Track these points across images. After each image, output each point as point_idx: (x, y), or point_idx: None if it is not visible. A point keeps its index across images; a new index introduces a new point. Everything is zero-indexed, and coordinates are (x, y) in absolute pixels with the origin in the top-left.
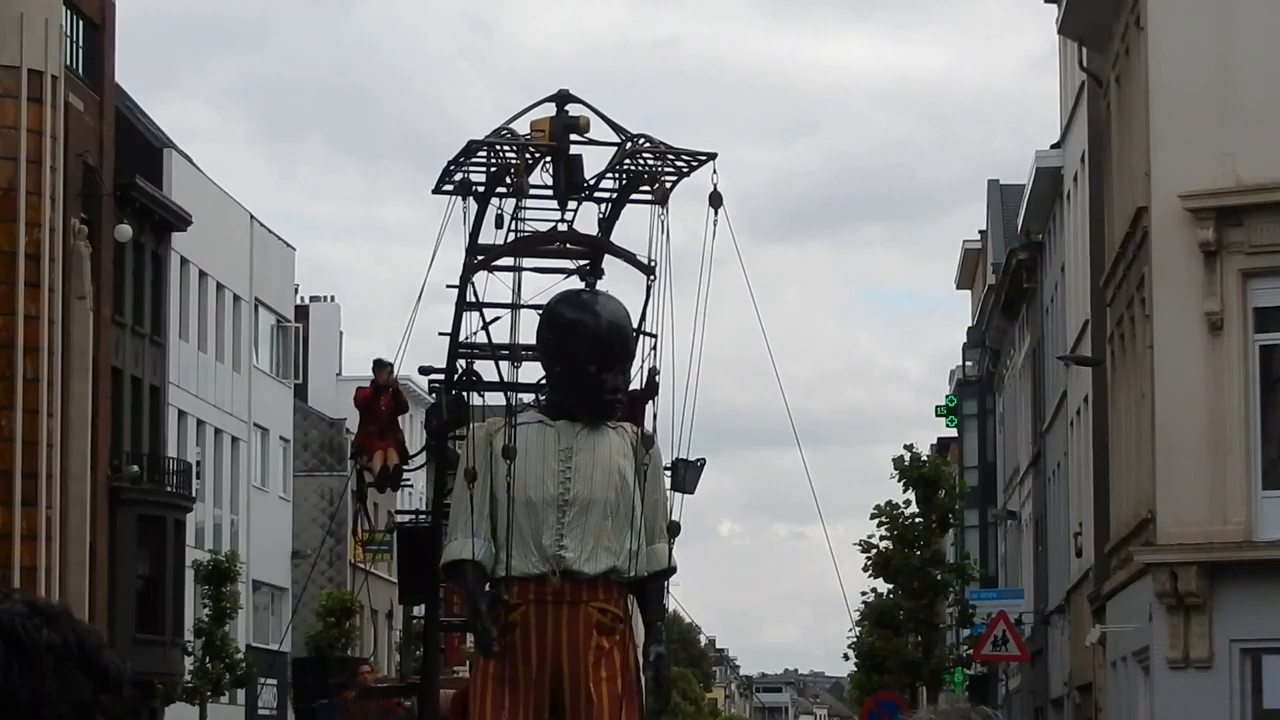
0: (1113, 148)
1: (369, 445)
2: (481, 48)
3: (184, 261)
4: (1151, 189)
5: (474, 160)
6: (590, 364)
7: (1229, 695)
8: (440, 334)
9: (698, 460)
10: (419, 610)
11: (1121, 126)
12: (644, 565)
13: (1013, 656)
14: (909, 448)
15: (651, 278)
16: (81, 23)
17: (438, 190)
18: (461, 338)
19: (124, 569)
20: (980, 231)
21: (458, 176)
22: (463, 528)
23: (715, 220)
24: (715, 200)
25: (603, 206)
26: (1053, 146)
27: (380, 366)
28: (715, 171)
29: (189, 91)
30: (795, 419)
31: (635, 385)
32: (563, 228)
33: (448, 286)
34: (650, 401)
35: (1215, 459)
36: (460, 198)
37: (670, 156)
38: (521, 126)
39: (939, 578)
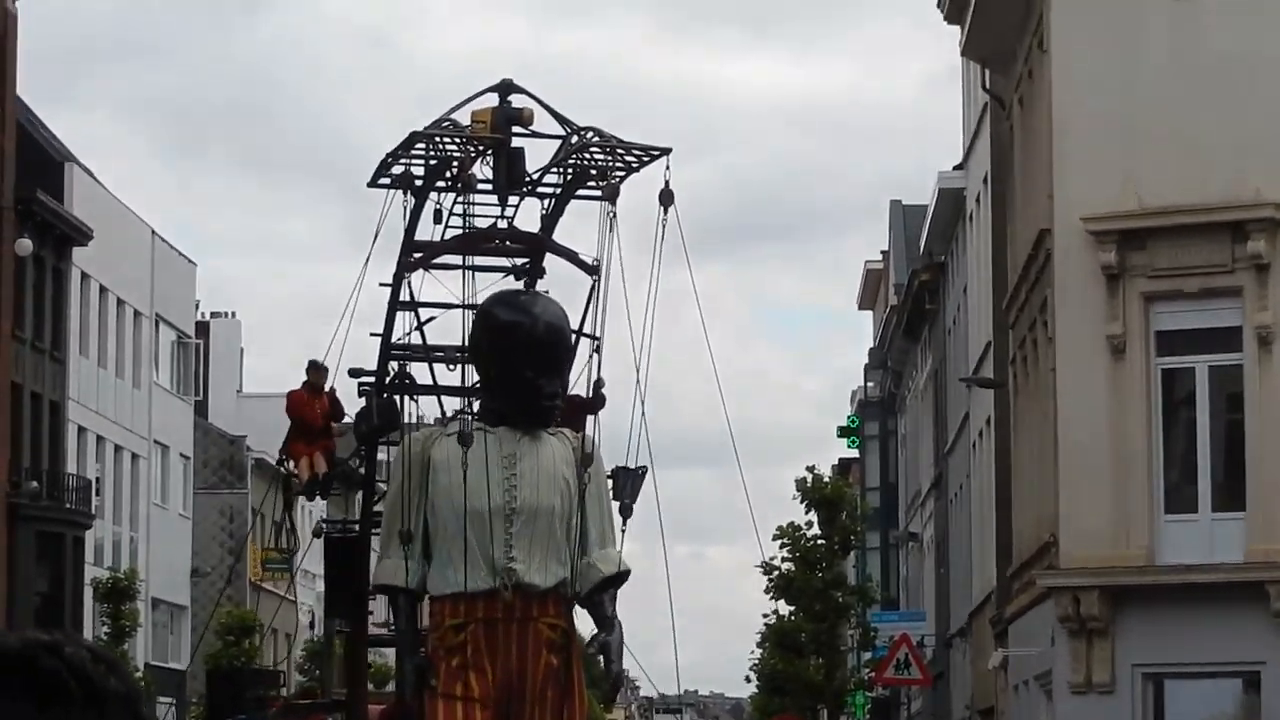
0: (1015, 169)
1: (296, 451)
2: (381, 63)
3: (84, 276)
4: (1054, 211)
5: (413, 153)
6: (527, 369)
7: (1131, 719)
8: (372, 335)
9: (639, 468)
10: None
11: (1024, 148)
12: (592, 575)
13: (915, 680)
14: (811, 469)
15: (595, 278)
16: None
17: (374, 184)
18: (394, 338)
19: (22, 586)
20: (882, 252)
21: (396, 169)
22: (394, 548)
23: (664, 220)
24: (666, 198)
25: (545, 203)
26: (955, 168)
27: (316, 368)
28: (668, 168)
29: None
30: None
31: (574, 390)
32: (503, 225)
33: (380, 285)
34: (596, 414)
35: (1117, 483)
36: (401, 191)
37: (620, 151)
38: (461, 118)
39: (841, 600)
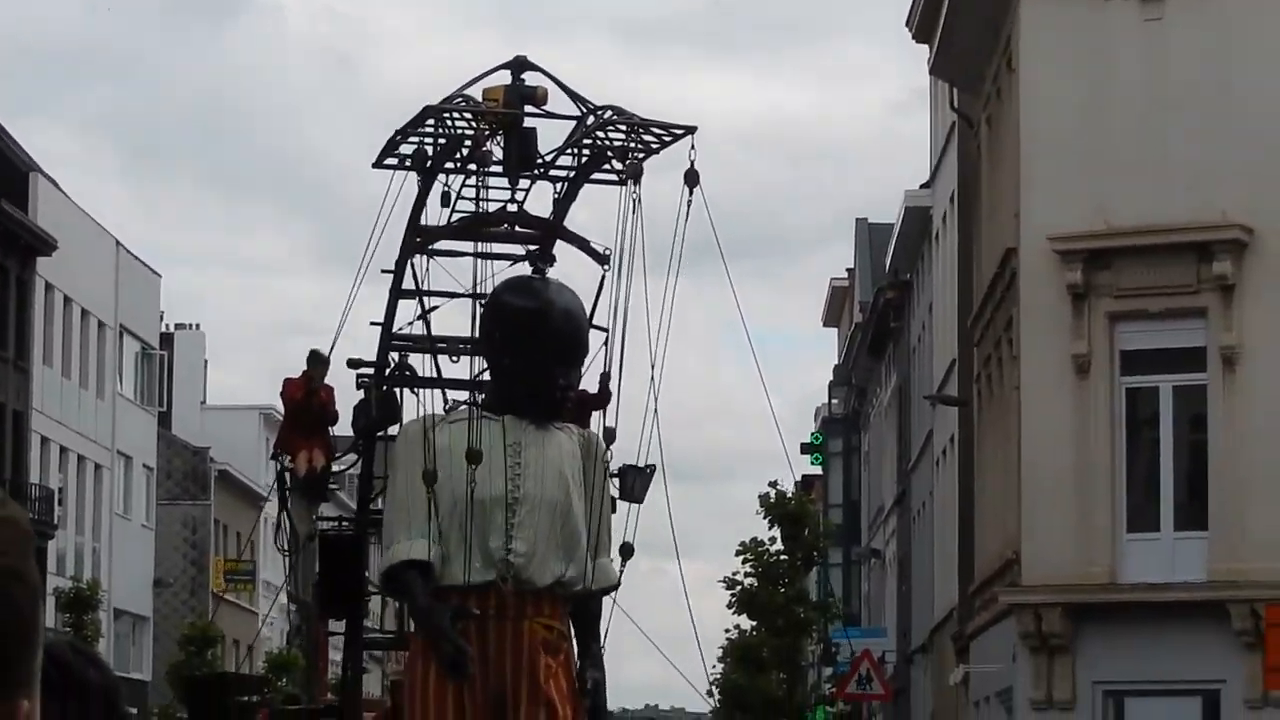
0: (982, 188)
1: (294, 445)
2: (345, 83)
3: (49, 286)
4: (1021, 230)
5: (421, 131)
6: (541, 358)
7: None
8: (372, 324)
9: (647, 467)
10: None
11: (992, 167)
12: (592, 580)
13: (876, 696)
14: (774, 484)
15: (606, 267)
16: None
17: (379, 164)
18: (395, 328)
19: None
20: (848, 270)
21: (405, 149)
22: (404, 530)
23: (689, 201)
24: (691, 178)
25: (558, 187)
26: (922, 186)
27: (317, 361)
28: (693, 147)
29: (54, 119)
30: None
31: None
32: (513, 208)
33: (383, 271)
34: (602, 411)
35: (1081, 501)
36: (414, 172)
37: (640, 130)
38: (472, 96)
39: (803, 615)
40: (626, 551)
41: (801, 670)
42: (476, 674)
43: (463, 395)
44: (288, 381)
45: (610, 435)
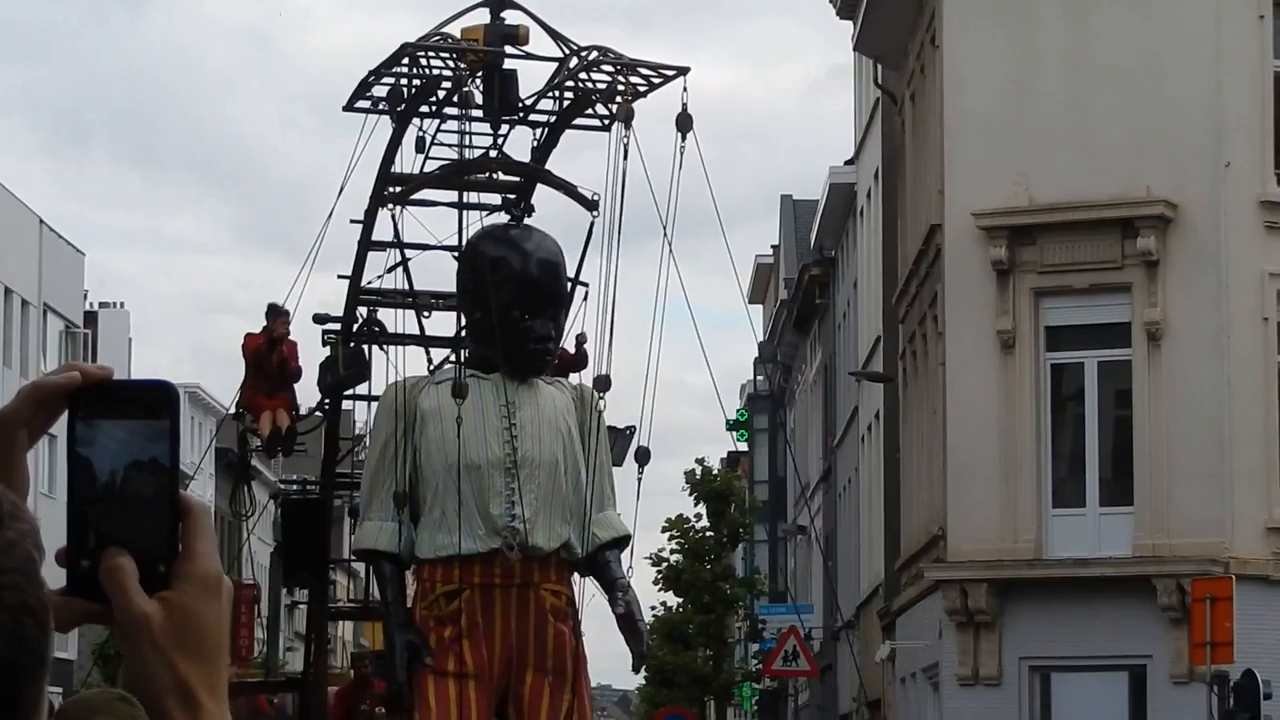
0: (907, 165)
1: (256, 404)
2: (265, 62)
3: None
4: (945, 207)
5: (396, 71)
6: (515, 308)
7: (1018, 712)
8: (340, 277)
9: (626, 428)
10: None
11: (916, 144)
12: (590, 541)
13: (803, 672)
14: (700, 461)
15: (595, 214)
16: None
17: (350, 107)
18: (364, 282)
19: None
20: (773, 246)
21: (378, 90)
22: (377, 506)
23: (683, 147)
24: (684, 122)
25: (538, 132)
26: (847, 163)
27: (277, 313)
28: (685, 89)
29: None
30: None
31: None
32: (494, 155)
33: (352, 221)
34: (578, 374)
35: (1006, 477)
36: (388, 116)
37: (629, 71)
38: (450, 34)
39: (729, 592)
40: (643, 456)
41: (728, 647)
42: (483, 644)
43: (444, 357)
44: (248, 336)
45: (604, 383)
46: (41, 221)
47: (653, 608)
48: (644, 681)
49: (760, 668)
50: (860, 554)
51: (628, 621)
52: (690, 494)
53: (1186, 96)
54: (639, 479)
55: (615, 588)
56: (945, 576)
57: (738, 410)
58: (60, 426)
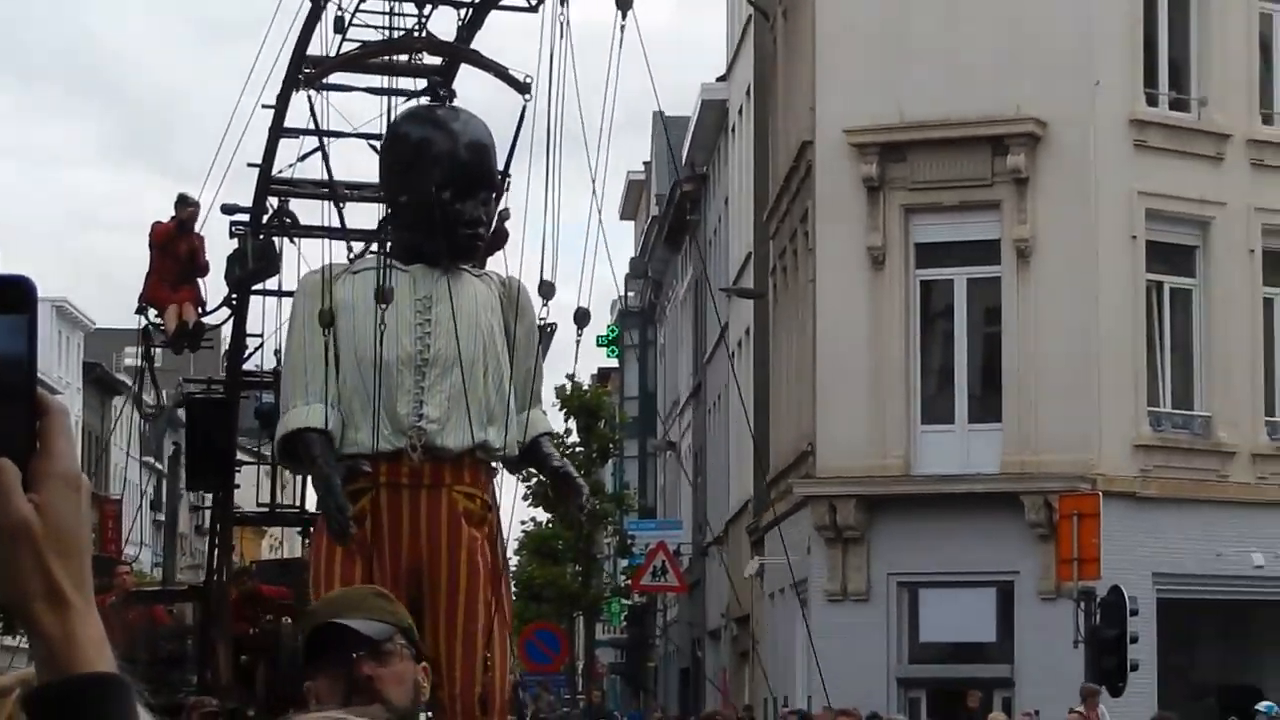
0: (778, 82)
1: (160, 298)
2: None
3: None
4: (816, 123)
5: None
6: (443, 189)
7: (886, 628)
8: (249, 165)
9: (547, 325)
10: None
11: (788, 60)
12: (517, 436)
13: (671, 587)
14: (570, 377)
15: (527, 97)
16: None
17: None
18: (275, 171)
19: None
20: (644, 163)
21: None
22: (300, 394)
23: (623, 26)
24: (623, 2)
25: (462, 12)
26: (719, 79)
27: (185, 203)
28: None
29: None
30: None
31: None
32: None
33: (264, 107)
34: (499, 251)
35: (875, 393)
36: None
37: None
38: None
39: (598, 508)
40: (546, 291)
41: (597, 563)
42: (387, 547)
43: (355, 247)
44: (156, 223)
45: (548, 290)
46: None
47: (522, 523)
48: (514, 597)
49: (629, 583)
50: (730, 470)
51: (566, 479)
52: (560, 409)
53: (1057, 15)
54: (578, 340)
55: (552, 460)
56: (814, 492)
57: (608, 326)
58: None
